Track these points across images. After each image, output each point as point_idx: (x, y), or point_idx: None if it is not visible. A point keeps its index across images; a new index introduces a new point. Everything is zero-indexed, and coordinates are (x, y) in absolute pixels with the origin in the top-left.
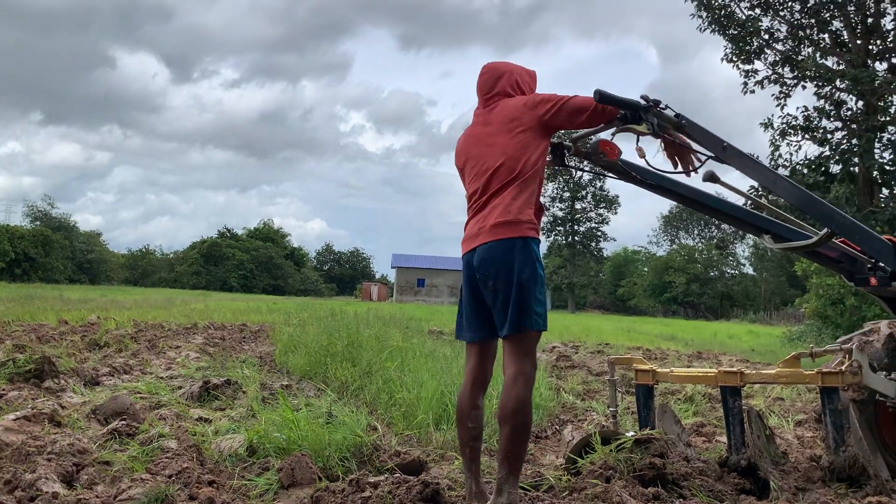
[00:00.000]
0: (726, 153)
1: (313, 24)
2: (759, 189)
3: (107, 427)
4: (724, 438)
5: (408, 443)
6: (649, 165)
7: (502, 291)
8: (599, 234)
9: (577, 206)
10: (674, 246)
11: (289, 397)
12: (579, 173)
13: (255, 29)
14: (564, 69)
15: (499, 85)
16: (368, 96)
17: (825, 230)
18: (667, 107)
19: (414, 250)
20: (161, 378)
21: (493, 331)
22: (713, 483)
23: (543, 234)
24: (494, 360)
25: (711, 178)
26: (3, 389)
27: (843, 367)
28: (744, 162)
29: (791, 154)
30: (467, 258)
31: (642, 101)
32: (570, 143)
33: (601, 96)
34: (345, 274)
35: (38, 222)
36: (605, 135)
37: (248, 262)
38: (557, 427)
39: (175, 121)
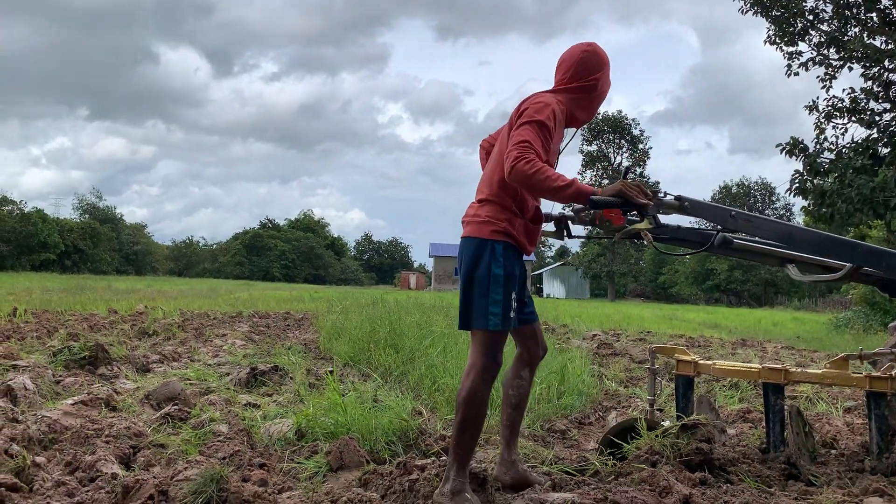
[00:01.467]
0: (736, 221)
1: (351, 16)
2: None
3: (160, 412)
4: None
5: (452, 427)
6: (654, 244)
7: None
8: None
9: None
10: None
11: (335, 382)
12: (588, 240)
13: (294, 22)
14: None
15: (556, 76)
16: (406, 87)
17: (849, 266)
18: (665, 193)
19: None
20: (209, 365)
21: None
22: (761, 468)
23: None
24: (537, 341)
25: (724, 242)
26: (61, 375)
27: (893, 373)
28: (754, 224)
29: (837, 137)
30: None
31: (642, 200)
32: (573, 214)
33: (594, 203)
34: (383, 263)
35: (86, 215)
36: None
37: (290, 253)
38: (601, 413)
39: (217, 114)
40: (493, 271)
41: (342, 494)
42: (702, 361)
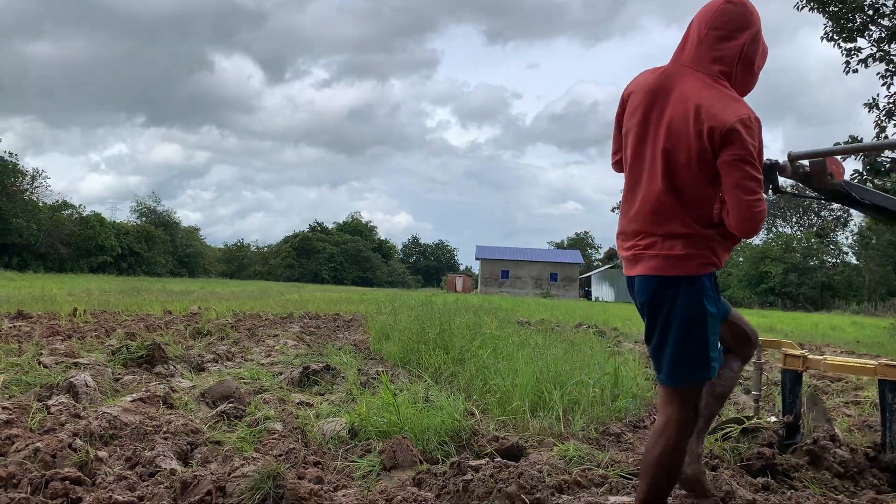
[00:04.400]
0: None
1: (400, 23)
2: None
3: (215, 409)
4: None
5: (504, 428)
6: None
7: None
8: None
9: None
10: (770, 235)
11: (387, 382)
12: (793, 197)
13: (344, 30)
14: (652, 54)
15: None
16: (454, 91)
17: None
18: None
19: (497, 242)
20: (262, 364)
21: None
22: (826, 475)
23: None
24: (742, 327)
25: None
26: (119, 373)
27: None
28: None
29: None
30: None
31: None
32: (785, 164)
33: (792, 155)
34: (430, 266)
35: (144, 218)
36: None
37: (338, 255)
38: (655, 416)
39: (269, 120)
40: (709, 311)
41: (397, 493)
42: (812, 356)
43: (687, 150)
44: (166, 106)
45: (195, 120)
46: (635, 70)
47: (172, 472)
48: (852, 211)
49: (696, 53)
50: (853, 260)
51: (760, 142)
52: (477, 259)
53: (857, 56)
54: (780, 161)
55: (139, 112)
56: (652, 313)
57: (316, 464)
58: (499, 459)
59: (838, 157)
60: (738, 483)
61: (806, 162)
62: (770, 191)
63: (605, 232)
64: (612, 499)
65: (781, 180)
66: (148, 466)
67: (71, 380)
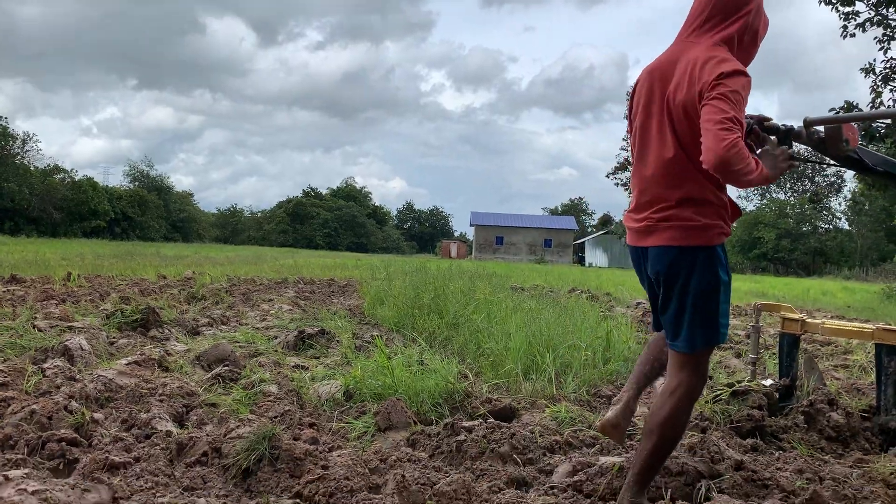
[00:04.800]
0: None
1: None
2: None
3: (211, 372)
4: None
5: (497, 391)
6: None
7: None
8: None
9: None
10: (764, 200)
11: (382, 346)
12: (806, 163)
13: None
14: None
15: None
16: (450, 55)
17: None
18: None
19: (492, 208)
20: (257, 328)
21: None
22: (813, 436)
23: (626, 189)
24: None
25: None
26: (114, 337)
27: None
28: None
29: (894, 101)
30: None
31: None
32: (801, 129)
33: (808, 121)
34: (425, 232)
35: (136, 182)
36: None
37: (333, 221)
38: None
39: (262, 84)
40: (721, 279)
41: (391, 453)
42: (810, 320)
43: (687, 108)
44: (158, 69)
45: (187, 83)
46: (631, 34)
47: (168, 433)
48: (845, 177)
49: (700, 31)
50: (846, 226)
51: (745, 98)
52: (471, 225)
53: (855, 20)
54: (796, 127)
55: (130, 75)
56: (668, 284)
57: (311, 425)
58: (492, 420)
59: (854, 125)
60: (727, 444)
61: (821, 128)
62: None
63: (599, 198)
64: (602, 459)
65: (796, 146)
66: (144, 428)
67: (66, 343)
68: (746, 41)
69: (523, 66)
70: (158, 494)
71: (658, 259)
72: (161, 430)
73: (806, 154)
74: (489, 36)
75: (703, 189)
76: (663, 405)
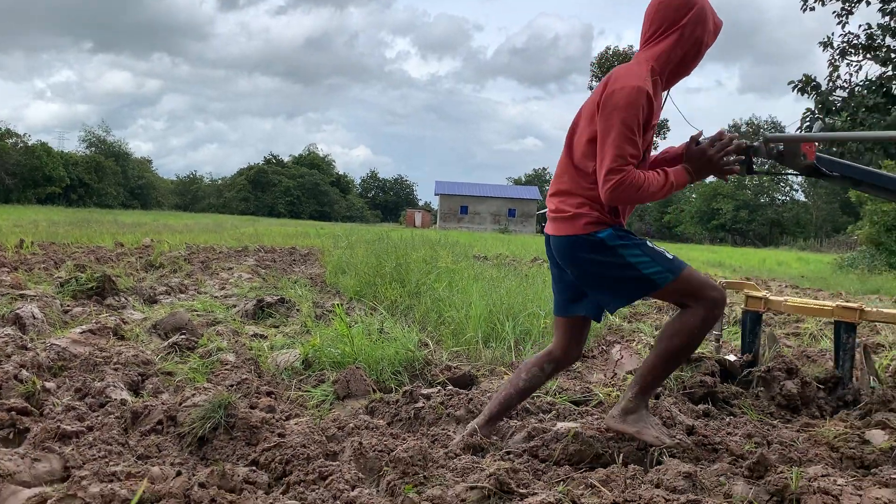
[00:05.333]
0: None
1: None
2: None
3: (167, 341)
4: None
5: (457, 359)
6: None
7: None
8: None
9: None
10: None
11: (342, 314)
12: (766, 177)
13: None
14: None
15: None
16: (414, 21)
17: None
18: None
19: (457, 177)
20: (215, 297)
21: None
22: (764, 402)
23: None
24: (579, 341)
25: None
26: (68, 305)
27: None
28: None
29: (851, 75)
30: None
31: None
32: (760, 145)
33: (766, 138)
34: (389, 201)
35: (93, 148)
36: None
37: (295, 189)
38: (604, 347)
39: (222, 48)
40: (623, 256)
41: (349, 421)
42: (773, 298)
43: (583, 113)
44: (115, 31)
45: (145, 47)
46: (597, 5)
47: (123, 402)
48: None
49: (643, 47)
50: (802, 198)
51: (641, 113)
52: (436, 194)
53: None
54: (755, 144)
55: (86, 37)
56: (569, 270)
57: (269, 394)
58: (450, 388)
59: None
60: (679, 409)
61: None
62: (746, 172)
63: None
64: (559, 424)
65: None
66: (98, 397)
67: (17, 311)
68: (685, 55)
69: (489, 35)
70: (112, 463)
71: (554, 247)
72: (115, 399)
73: (770, 167)
74: (454, 3)
75: (575, 182)
76: (684, 313)
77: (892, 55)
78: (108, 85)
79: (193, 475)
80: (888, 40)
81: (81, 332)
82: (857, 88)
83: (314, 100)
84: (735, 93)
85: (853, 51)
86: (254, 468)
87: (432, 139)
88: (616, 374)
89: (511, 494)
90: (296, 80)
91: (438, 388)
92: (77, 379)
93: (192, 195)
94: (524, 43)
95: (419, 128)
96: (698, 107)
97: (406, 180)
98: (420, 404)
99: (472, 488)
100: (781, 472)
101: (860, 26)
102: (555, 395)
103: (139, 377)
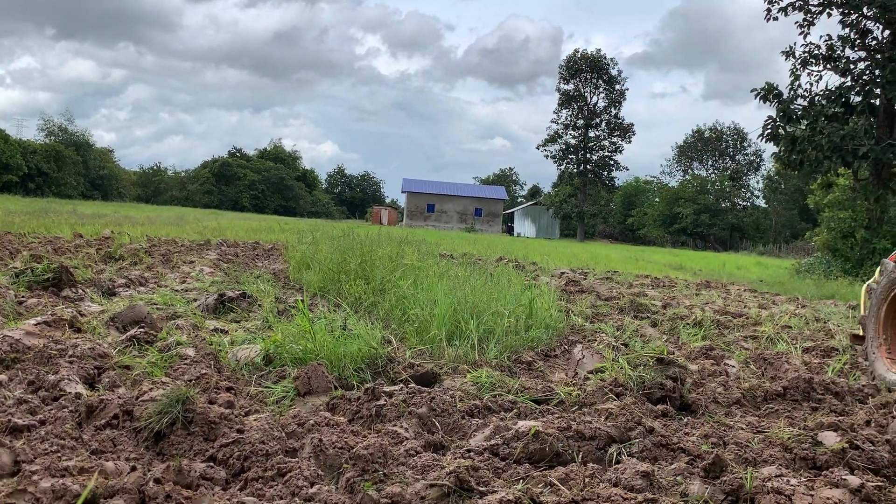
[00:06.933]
0: None
1: None
2: None
3: (125, 334)
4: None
5: (421, 356)
6: None
7: None
8: (612, 162)
9: (591, 133)
10: (686, 176)
11: (305, 310)
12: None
13: None
14: None
15: None
16: (385, 19)
17: None
18: None
19: (425, 175)
20: (176, 291)
21: None
22: (727, 407)
23: (555, 161)
24: None
25: None
26: (23, 296)
27: None
28: None
29: (811, 84)
30: None
31: None
32: None
33: None
34: (355, 197)
35: (52, 137)
36: None
37: (260, 183)
38: (566, 347)
39: (190, 40)
40: None
41: (309, 418)
42: None
43: None
44: (79, 19)
45: (110, 35)
46: (569, 7)
47: (78, 396)
48: (764, 155)
49: None
50: (762, 203)
51: None
52: (403, 192)
53: (778, 4)
54: None
55: (48, 24)
56: None
57: (228, 389)
58: (413, 385)
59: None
60: (640, 410)
61: None
62: None
63: (530, 169)
64: (520, 422)
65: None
66: (51, 390)
67: None
68: None
69: (460, 35)
70: (64, 458)
71: None
72: (70, 393)
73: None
74: (426, 1)
75: None
76: None
77: (852, 66)
78: (72, 73)
79: (149, 471)
80: (848, 52)
81: (36, 324)
82: (817, 98)
83: (282, 94)
84: (700, 99)
85: (814, 61)
86: (211, 464)
87: (401, 137)
88: (577, 373)
89: (471, 492)
90: (264, 73)
91: (401, 385)
92: (30, 371)
93: (154, 187)
94: (495, 44)
95: (388, 125)
96: (663, 111)
97: (373, 177)
98: (382, 401)
99: (431, 486)
100: (736, 473)
101: (821, 37)
102: (517, 393)
103: (95, 371)
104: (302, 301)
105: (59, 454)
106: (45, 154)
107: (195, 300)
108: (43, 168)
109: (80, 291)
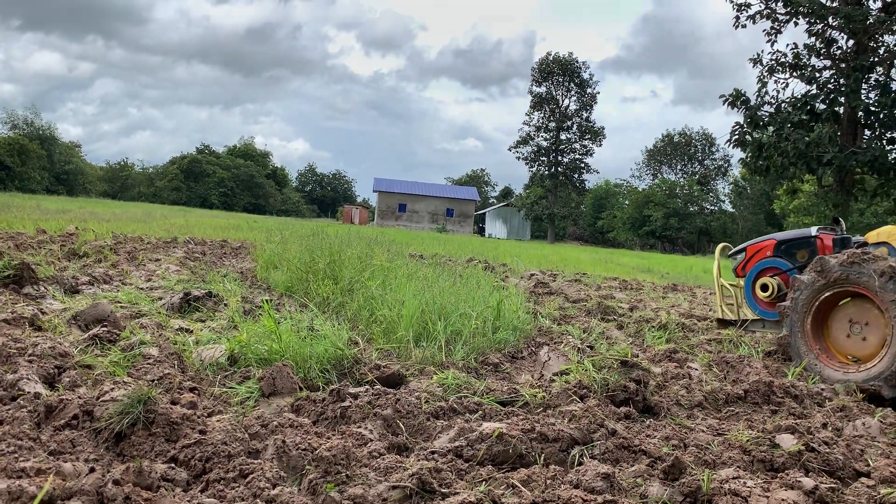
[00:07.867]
0: None
1: None
2: None
3: (87, 333)
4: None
5: (388, 358)
6: None
7: None
8: (583, 165)
9: (563, 136)
10: (656, 180)
11: (271, 310)
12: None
13: None
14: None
15: None
16: (359, 17)
17: None
18: None
19: (397, 175)
20: (141, 289)
21: None
22: (689, 409)
23: (527, 163)
24: None
25: None
26: None
27: None
28: None
29: (778, 91)
30: None
31: None
32: None
33: None
34: (326, 196)
35: (16, 130)
36: None
37: (229, 180)
38: (534, 349)
39: (160, 34)
40: None
41: (273, 419)
42: None
43: None
44: (45, 10)
45: (78, 28)
46: (543, 10)
47: (37, 395)
48: (732, 160)
49: None
50: (729, 208)
51: None
52: (375, 191)
53: (747, 12)
54: None
55: (13, 15)
56: None
57: (192, 389)
58: (379, 387)
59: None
60: (602, 412)
61: None
62: None
63: (502, 170)
64: (485, 424)
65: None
66: (9, 390)
67: None
68: None
69: (433, 35)
70: (21, 459)
71: None
72: (29, 392)
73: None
74: (401, 0)
75: None
76: None
77: (817, 75)
78: (37, 65)
79: (108, 472)
80: (814, 60)
81: None
82: (783, 105)
83: (253, 91)
84: (669, 104)
85: (781, 68)
86: (172, 465)
87: (373, 136)
88: (543, 375)
89: (433, 494)
90: (235, 70)
91: (367, 387)
92: None
93: (121, 183)
94: (468, 45)
95: (360, 124)
96: (634, 116)
97: (345, 176)
98: (347, 403)
99: (394, 487)
100: (695, 475)
101: (788, 45)
102: (483, 395)
103: (55, 370)
104: (268, 301)
105: (17, 455)
106: (8, 147)
107: (160, 299)
108: (6, 161)
109: (42, 289)
